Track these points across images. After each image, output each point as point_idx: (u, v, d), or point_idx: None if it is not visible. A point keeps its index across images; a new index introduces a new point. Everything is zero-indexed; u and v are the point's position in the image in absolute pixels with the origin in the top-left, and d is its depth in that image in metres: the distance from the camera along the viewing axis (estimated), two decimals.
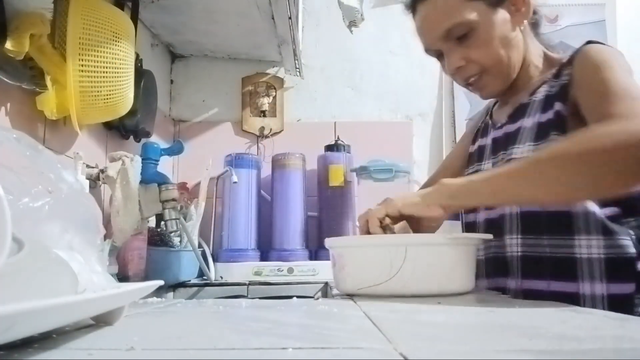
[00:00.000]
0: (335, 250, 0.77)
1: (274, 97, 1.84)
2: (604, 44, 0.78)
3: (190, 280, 1.38)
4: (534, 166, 0.66)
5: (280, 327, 0.43)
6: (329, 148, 1.68)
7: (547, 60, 0.86)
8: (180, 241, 1.37)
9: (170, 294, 1.30)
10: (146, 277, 1.16)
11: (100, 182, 1.09)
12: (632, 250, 0.71)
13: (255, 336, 0.38)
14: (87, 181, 1.06)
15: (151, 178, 1.14)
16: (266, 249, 1.58)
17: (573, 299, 0.71)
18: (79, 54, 0.87)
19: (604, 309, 0.69)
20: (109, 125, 1.23)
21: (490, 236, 0.75)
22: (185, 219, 1.39)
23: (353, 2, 1.56)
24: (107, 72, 0.91)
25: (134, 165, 1.09)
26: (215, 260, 1.50)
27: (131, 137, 1.32)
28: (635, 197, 0.73)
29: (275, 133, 1.82)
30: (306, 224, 1.60)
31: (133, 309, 0.55)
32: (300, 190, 1.61)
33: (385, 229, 0.75)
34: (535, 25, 0.87)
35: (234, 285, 1.38)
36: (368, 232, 0.76)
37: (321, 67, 1.87)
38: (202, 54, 1.82)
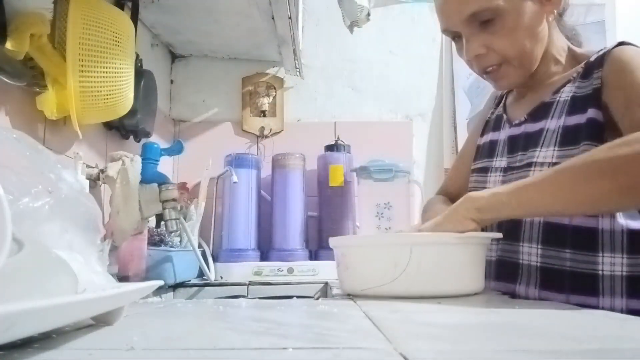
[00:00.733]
0: (340, 249, 0.76)
1: (274, 97, 1.84)
2: (636, 46, 0.74)
3: (190, 280, 1.38)
4: (562, 176, 0.64)
5: (280, 327, 0.43)
6: (329, 148, 1.68)
7: (572, 55, 0.82)
8: (180, 241, 1.37)
9: (170, 294, 1.30)
10: (146, 277, 1.16)
11: (100, 182, 1.09)
12: None
13: (255, 336, 0.38)
14: (87, 181, 1.06)
15: (151, 178, 1.14)
16: (266, 249, 1.58)
17: None
18: (79, 54, 0.87)
19: None
20: (109, 125, 1.23)
21: (499, 235, 0.73)
22: (185, 219, 1.39)
23: (363, 1, 1.49)
24: (107, 72, 0.91)
25: (134, 165, 1.09)
26: (215, 260, 1.50)
27: (131, 137, 1.32)
28: None
29: (275, 133, 1.82)
30: (306, 224, 1.60)
31: (133, 309, 0.55)
32: (300, 190, 1.61)
33: None
34: (560, 14, 0.82)
35: (234, 285, 1.38)
36: None
37: (321, 67, 1.87)
38: (202, 54, 1.82)
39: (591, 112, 0.72)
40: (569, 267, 0.72)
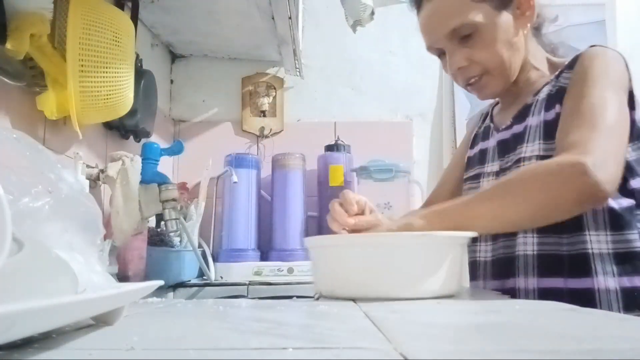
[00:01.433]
0: (310, 250, 0.75)
1: (274, 97, 1.84)
2: (605, 48, 0.78)
3: (190, 280, 1.38)
4: (477, 198, 0.71)
5: (280, 327, 0.43)
6: (329, 148, 1.68)
7: (550, 63, 0.87)
8: (180, 241, 1.37)
9: (170, 294, 1.30)
10: (146, 277, 1.16)
11: (100, 182, 1.09)
12: (638, 244, 0.73)
13: (255, 336, 0.38)
14: (87, 181, 1.06)
15: (151, 178, 1.14)
16: (266, 249, 1.58)
17: (589, 295, 0.72)
18: (79, 54, 0.87)
19: (618, 302, 0.72)
20: (109, 125, 1.23)
21: (471, 234, 0.70)
22: (185, 219, 1.39)
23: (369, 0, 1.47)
24: (107, 72, 0.91)
25: (134, 165, 1.09)
26: (215, 260, 1.50)
27: (131, 137, 1.32)
28: None
29: (275, 133, 1.82)
30: (306, 224, 1.60)
31: (133, 309, 0.55)
32: (300, 190, 1.61)
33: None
34: (537, 28, 0.88)
35: (234, 285, 1.38)
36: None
37: (321, 67, 1.87)
38: (202, 54, 1.82)
39: (558, 108, 0.77)
40: (565, 250, 0.75)
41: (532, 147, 0.78)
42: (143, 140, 1.29)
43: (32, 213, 0.43)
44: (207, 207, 1.54)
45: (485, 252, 0.86)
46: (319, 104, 1.85)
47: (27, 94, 0.89)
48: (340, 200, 0.84)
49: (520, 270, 0.79)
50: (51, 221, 0.45)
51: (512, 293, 0.78)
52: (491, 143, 0.91)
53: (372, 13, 1.48)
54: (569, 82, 0.78)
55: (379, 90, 1.86)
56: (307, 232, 1.60)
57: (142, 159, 1.15)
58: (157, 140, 1.44)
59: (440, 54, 0.86)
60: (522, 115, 0.84)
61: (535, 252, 0.77)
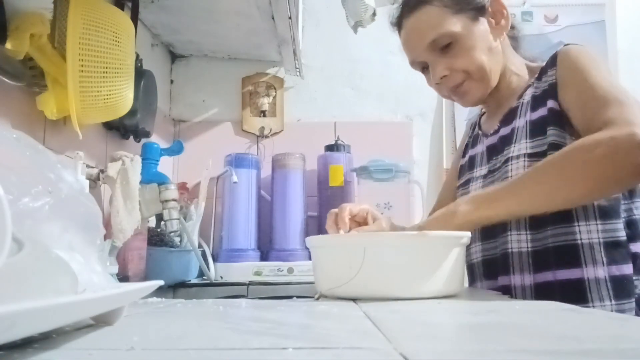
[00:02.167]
0: (311, 250, 0.76)
1: (274, 97, 1.84)
2: (580, 45, 0.81)
3: (190, 280, 1.38)
4: (527, 179, 0.72)
5: (280, 327, 0.43)
6: (329, 148, 1.68)
7: (529, 69, 0.90)
8: (180, 241, 1.37)
9: (170, 294, 1.30)
10: (146, 277, 1.16)
11: (100, 182, 1.09)
12: (623, 233, 0.75)
13: (255, 336, 0.38)
14: (87, 181, 1.06)
15: (151, 178, 1.14)
16: (266, 249, 1.58)
17: (579, 286, 0.73)
18: (79, 54, 0.87)
19: (608, 292, 0.72)
20: (109, 125, 1.23)
21: (467, 234, 0.70)
22: (185, 219, 1.39)
23: (370, 1, 1.47)
24: (107, 72, 0.91)
25: (134, 165, 1.09)
26: (215, 260, 1.50)
27: (131, 137, 1.32)
28: None
29: (275, 133, 1.82)
30: (306, 224, 1.59)
31: (133, 309, 0.55)
32: (300, 190, 1.61)
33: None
34: (514, 40, 0.92)
35: (234, 285, 1.38)
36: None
37: (321, 67, 1.87)
38: (202, 54, 1.82)
39: (550, 103, 0.79)
40: (551, 243, 0.76)
41: (519, 147, 0.80)
42: (143, 140, 1.29)
43: (32, 213, 0.43)
44: (207, 207, 1.54)
45: (476, 252, 0.87)
46: (319, 104, 1.85)
47: (27, 94, 0.89)
48: (336, 213, 0.86)
49: (514, 268, 0.79)
50: (51, 221, 0.45)
51: (506, 291, 0.79)
52: (480, 149, 0.93)
53: (374, 14, 1.47)
54: (556, 78, 0.79)
55: (379, 90, 1.86)
56: (307, 232, 1.59)
57: (142, 159, 1.15)
58: (157, 140, 1.44)
59: (423, 68, 0.90)
60: (509, 118, 0.86)
61: (529, 249, 0.78)
